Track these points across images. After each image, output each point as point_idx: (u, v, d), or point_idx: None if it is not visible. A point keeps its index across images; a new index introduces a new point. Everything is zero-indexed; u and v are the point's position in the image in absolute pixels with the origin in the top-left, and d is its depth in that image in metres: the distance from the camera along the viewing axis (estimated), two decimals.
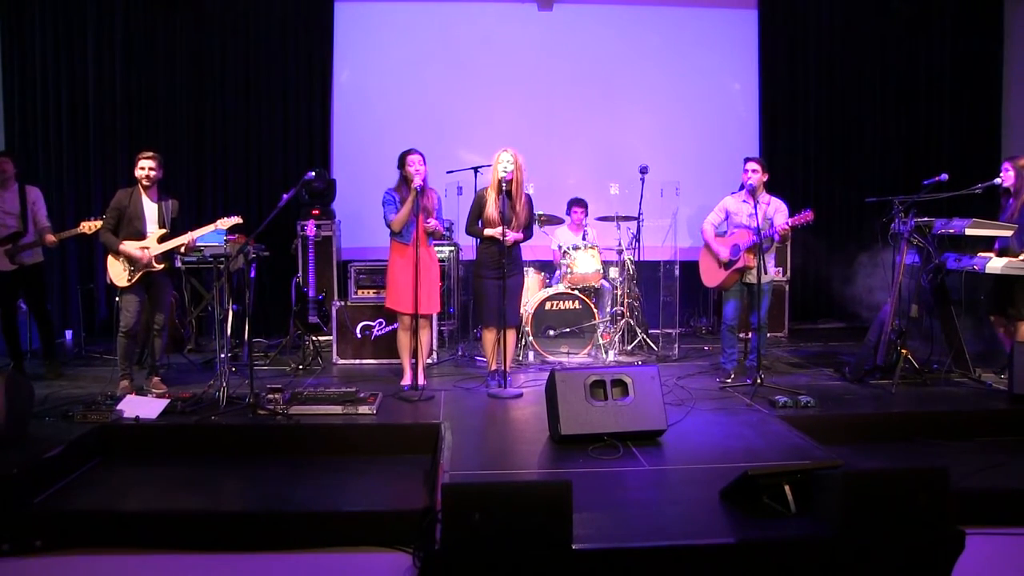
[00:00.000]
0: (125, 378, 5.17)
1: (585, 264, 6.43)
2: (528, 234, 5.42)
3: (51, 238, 5.66)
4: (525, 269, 5.92)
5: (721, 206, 5.77)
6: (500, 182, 5.19)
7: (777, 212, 5.49)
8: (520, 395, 5.20)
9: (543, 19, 8.16)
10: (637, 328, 6.71)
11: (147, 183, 5.14)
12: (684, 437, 4.30)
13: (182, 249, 5.22)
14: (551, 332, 6.36)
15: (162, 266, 5.18)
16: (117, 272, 5.14)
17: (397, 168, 5.26)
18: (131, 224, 5.11)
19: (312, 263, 6.62)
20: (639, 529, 3.11)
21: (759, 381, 5.19)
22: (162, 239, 5.14)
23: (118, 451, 4.32)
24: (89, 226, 5.41)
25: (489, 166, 5.41)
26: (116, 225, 5.13)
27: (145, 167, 5.13)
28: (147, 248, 5.10)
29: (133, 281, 5.12)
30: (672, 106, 8.26)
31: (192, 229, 5.17)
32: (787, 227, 5.38)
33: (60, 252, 7.50)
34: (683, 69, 8.25)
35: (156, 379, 5.30)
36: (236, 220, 5.16)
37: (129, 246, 5.08)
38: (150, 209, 5.16)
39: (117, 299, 5.22)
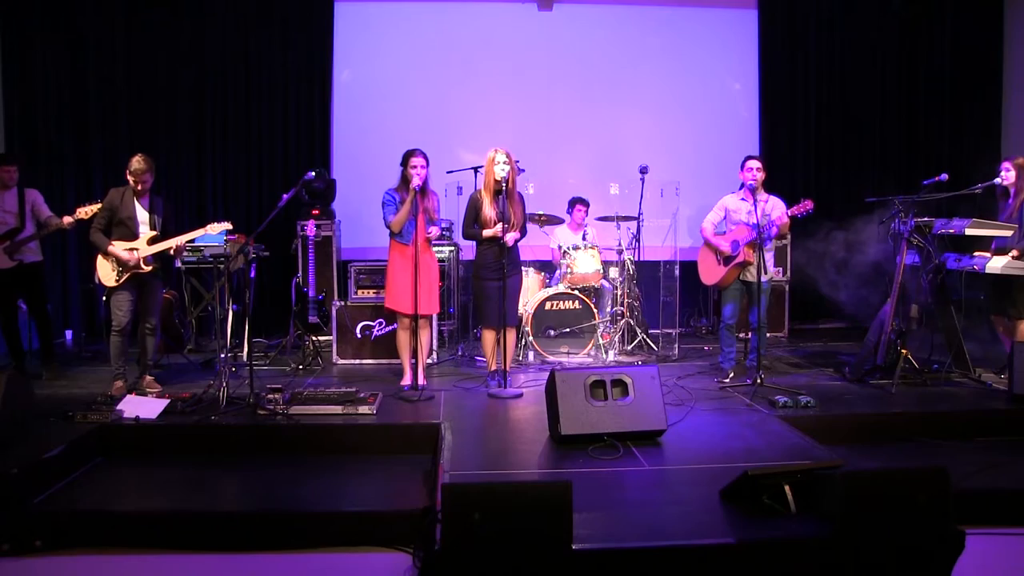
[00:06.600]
0: (119, 379, 5.17)
1: (585, 264, 6.43)
2: (524, 232, 5.44)
3: (68, 219, 5.50)
4: (525, 269, 5.92)
5: (720, 204, 5.78)
6: (500, 182, 5.18)
7: (775, 209, 5.51)
8: (520, 395, 5.20)
9: (543, 19, 8.16)
10: (637, 328, 6.71)
11: (141, 189, 5.14)
12: (684, 437, 4.30)
13: (171, 251, 5.21)
14: (551, 332, 6.36)
15: (151, 267, 5.18)
16: (106, 272, 5.15)
17: (400, 166, 5.26)
18: (123, 225, 5.11)
19: (312, 263, 6.62)
20: (639, 529, 3.10)
21: (759, 381, 5.20)
22: (152, 241, 5.14)
23: (118, 451, 4.32)
24: (86, 211, 5.33)
25: None
26: (107, 224, 5.13)
27: (141, 172, 5.10)
28: (136, 250, 5.10)
29: (121, 281, 5.13)
30: (672, 106, 8.26)
31: (186, 230, 5.18)
32: (786, 219, 5.37)
33: (60, 252, 7.52)
34: (683, 69, 8.26)
35: (149, 379, 5.30)
36: (226, 226, 5.18)
37: (118, 247, 5.08)
38: (142, 210, 5.17)
39: (105, 298, 5.22)
